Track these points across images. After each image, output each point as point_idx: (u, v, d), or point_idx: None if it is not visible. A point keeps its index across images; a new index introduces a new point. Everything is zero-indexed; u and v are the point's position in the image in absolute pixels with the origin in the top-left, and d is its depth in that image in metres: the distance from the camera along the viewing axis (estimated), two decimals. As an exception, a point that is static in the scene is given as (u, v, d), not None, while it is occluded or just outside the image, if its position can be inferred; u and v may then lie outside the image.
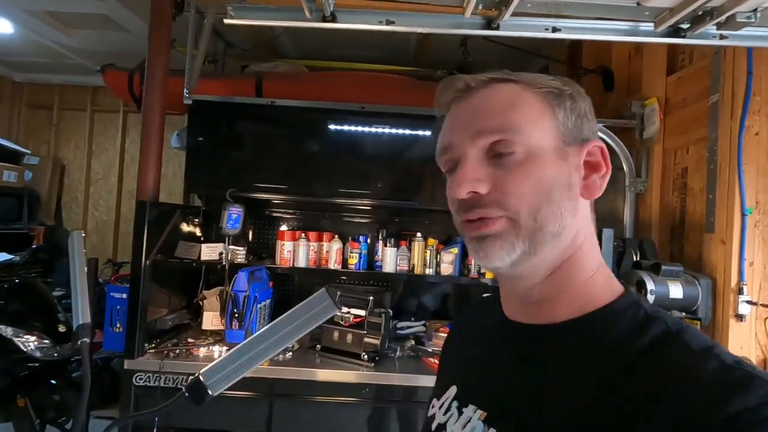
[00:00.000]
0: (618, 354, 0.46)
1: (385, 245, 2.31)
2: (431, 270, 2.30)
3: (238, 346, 0.89)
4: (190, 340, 2.03)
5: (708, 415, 0.39)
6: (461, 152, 0.52)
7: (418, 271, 2.29)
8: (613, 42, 2.76)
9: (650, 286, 1.83)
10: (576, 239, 0.52)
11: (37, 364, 2.96)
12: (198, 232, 2.42)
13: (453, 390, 0.59)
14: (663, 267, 1.86)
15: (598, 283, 0.52)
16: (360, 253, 2.30)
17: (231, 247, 2.14)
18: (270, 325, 0.95)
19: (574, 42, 3.15)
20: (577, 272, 0.52)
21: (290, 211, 2.43)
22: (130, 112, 4.59)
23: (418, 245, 2.30)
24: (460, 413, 0.55)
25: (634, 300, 0.51)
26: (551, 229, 0.50)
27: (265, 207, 2.46)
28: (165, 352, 1.87)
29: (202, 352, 1.93)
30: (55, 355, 2.92)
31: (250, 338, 0.92)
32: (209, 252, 2.22)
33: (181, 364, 1.81)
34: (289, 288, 2.53)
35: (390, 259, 2.29)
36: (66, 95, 4.73)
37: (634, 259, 2.07)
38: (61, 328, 2.96)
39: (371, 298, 1.95)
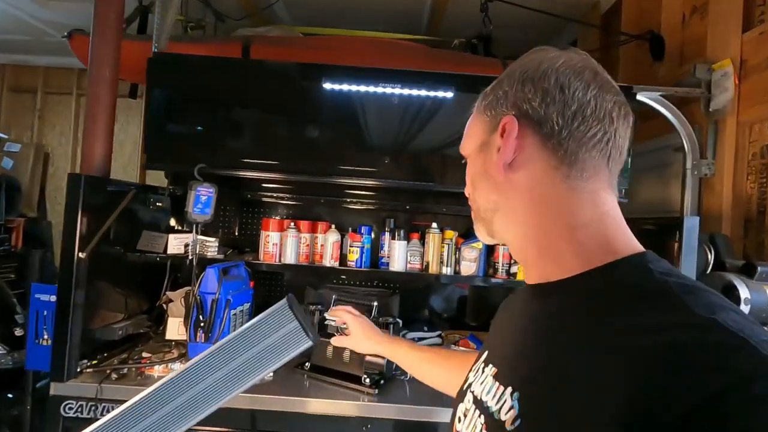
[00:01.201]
0: (598, 316, 0.46)
1: (393, 238, 1.82)
2: (449, 269, 1.82)
3: (128, 404, 0.56)
4: (145, 354, 1.56)
5: (678, 398, 0.36)
6: None
7: (433, 270, 1.81)
8: (663, 4, 2.28)
9: (744, 293, 1.34)
10: (527, 208, 0.55)
11: (-11, 374, 2.50)
12: (168, 220, 1.95)
13: (485, 354, 0.63)
14: (760, 268, 1.37)
15: (571, 249, 0.52)
16: (362, 248, 1.82)
17: (200, 237, 1.66)
18: (193, 362, 0.62)
19: (611, 6, 2.66)
20: (544, 237, 0.55)
21: (277, 194, 1.93)
22: (120, 97, 4.16)
23: (433, 238, 1.82)
24: (483, 372, 0.59)
25: (637, 262, 0.50)
26: (487, 206, 0.59)
27: (246, 189, 1.96)
28: (108, 371, 1.39)
29: (157, 370, 1.45)
30: (10, 363, 2.47)
31: (149, 390, 0.59)
32: (177, 244, 1.74)
33: (125, 389, 1.34)
34: (275, 289, 2.04)
35: (398, 256, 1.81)
36: (50, 78, 4.29)
37: (710, 258, 1.57)
38: (18, 332, 2.51)
39: (375, 303, 1.47)
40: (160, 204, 1.72)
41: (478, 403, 0.56)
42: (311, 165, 1.70)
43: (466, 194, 0.65)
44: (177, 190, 1.84)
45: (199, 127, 1.66)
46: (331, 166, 1.69)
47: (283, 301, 0.56)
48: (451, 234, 1.84)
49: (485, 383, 0.56)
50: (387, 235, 1.88)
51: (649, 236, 1.62)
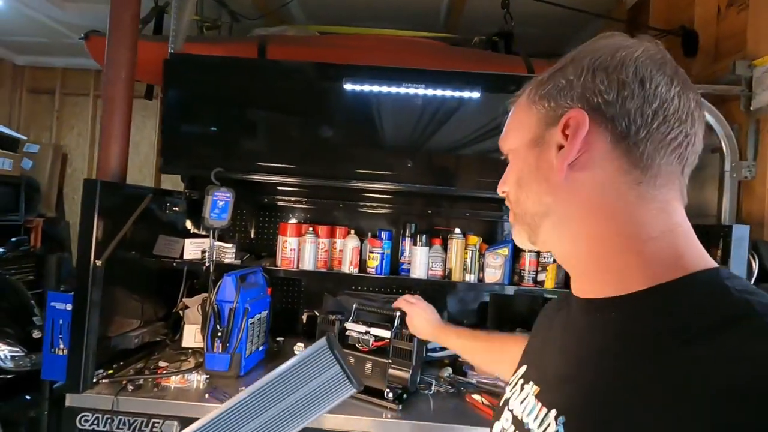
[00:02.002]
0: (665, 338, 0.40)
1: (414, 243, 1.75)
2: (473, 276, 1.74)
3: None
4: (162, 363, 1.51)
5: None
6: None
7: (456, 277, 1.73)
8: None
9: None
10: (586, 216, 0.49)
11: (8, 376, 2.49)
12: (185, 224, 1.90)
13: (523, 368, 0.59)
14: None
15: (638, 262, 0.46)
16: (382, 254, 1.74)
17: (217, 243, 1.61)
18: (225, 409, 0.54)
19: (637, 1, 2.54)
20: (604, 248, 0.48)
21: (295, 198, 1.86)
22: (135, 97, 4.14)
23: (456, 244, 1.74)
24: (522, 389, 0.55)
25: (712, 278, 0.43)
26: (532, 210, 0.52)
27: (263, 193, 1.90)
28: (123, 382, 1.35)
29: (174, 382, 1.40)
30: (29, 365, 2.46)
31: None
32: (193, 249, 1.69)
33: (142, 401, 1.29)
34: (292, 296, 1.98)
35: (420, 262, 1.73)
36: (68, 79, 4.29)
37: (754, 267, 1.47)
38: (36, 334, 2.49)
39: (398, 314, 1.40)
40: (176, 208, 1.67)
41: (518, 424, 0.52)
42: (330, 168, 1.63)
43: (502, 193, 0.59)
44: (193, 194, 1.79)
45: (215, 129, 1.61)
46: (350, 170, 1.62)
47: (323, 342, 0.48)
48: (474, 239, 1.76)
49: (526, 403, 0.52)
50: (408, 240, 1.80)
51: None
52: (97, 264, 1.30)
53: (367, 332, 1.43)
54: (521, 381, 0.57)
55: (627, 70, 0.46)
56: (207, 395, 1.32)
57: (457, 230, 1.75)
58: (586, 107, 0.48)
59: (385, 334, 1.42)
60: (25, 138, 3.89)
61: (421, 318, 1.16)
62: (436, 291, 1.92)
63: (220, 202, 1.53)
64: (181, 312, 1.68)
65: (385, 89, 1.58)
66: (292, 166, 1.62)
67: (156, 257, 1.69)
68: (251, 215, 1.98)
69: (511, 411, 0.55)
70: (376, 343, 1.43)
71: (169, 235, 1.76)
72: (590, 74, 0.48)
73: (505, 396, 0.58)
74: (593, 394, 0.43)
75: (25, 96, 4.39)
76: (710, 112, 1.72)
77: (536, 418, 0.48)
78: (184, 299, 1.66)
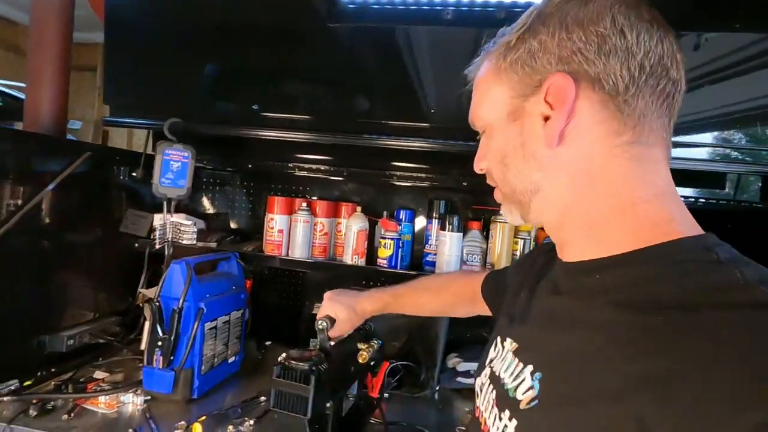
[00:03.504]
0: (643, 301, 0.39)
1: (443, 227, 1.24)
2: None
3: None
4: (99, 375, 1.13)
5: (731, 418, 0.30)
6: None
7: (500, 276, 1.20)
8: None
9: None
10: (577, 185, 0.46)
11: None
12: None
13: (502, 321, 0.60)
14: None
15: (623, 226, 0.44)
16: (397, 240, 1.25)
17: (172, 218, 1.19)
18: None
19: None
20: (586, 217, 0.47)
21: (289, 164, 1.39)
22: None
23: (501, 230, 1.21)
24: (502, 347, 0.55)
25: (703, 244, 0.41)
26: (522, 187, 0.50)
27: (245, 155, 1.43)
28: (34, 401, 0.98)
29: (102, 404, 1.01)
30: None
31: None
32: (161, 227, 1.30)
33: (40, 434, 0.91)
34: (292, 289, 1.53)
35: (450, 252, 1.22)
36: (109, 55, 4.17)
37: None
38: None
39: (322, 325, 0.88)
40: (134, 174, 1.28)
41: (494, 379, 0.52)
42: (331, 118, 1.15)
43: (480, 170, 0.57)
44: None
45: (172, 64, 1.18)
46: (352, 119, 1.13)
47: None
48: (528, 224, 1.21)
49: (504, 359, 0.52)
50: (435, 223, 1.30)
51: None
52: (-8, 241, 0.93)
53: (367, 345, 0.96)
54: (500, 339, 0.56)
55: (604, 21, 0.43)
56: (129, 431, 0.92)
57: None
58: (567, 69, 0.44)
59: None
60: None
61: (340, 310, 0.89)
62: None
63: (173, 163, 1.12)
64: (141, 306, 1.30)
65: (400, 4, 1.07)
66: (278, 116, 1.16)
67: (132, 236, 1.33)
68: (240, 187, 1.56)
69: (492, 368, 0.54)
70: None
71: (138, 210, 1.38)
72: (564, 31, 0.45)
73: (489, 355, 0.58)
74: (571, 353, 0.42)
75: (72, 73, 4.34)
76: None
77: (512, 374, 0.48)
78: (142, 290, 1.27)
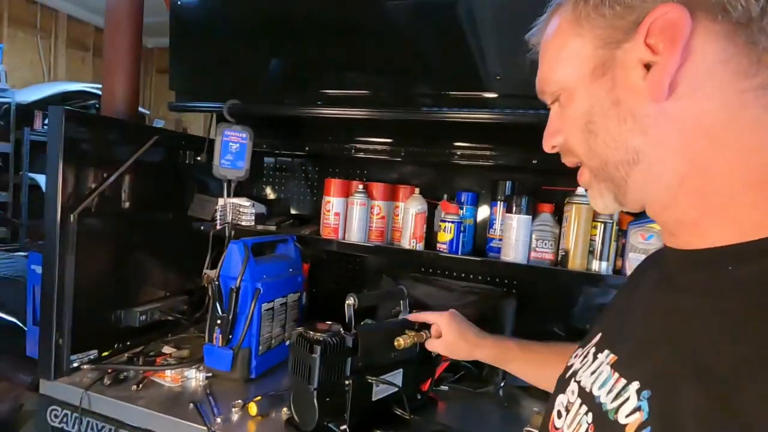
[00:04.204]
0: (746, 296, 0.31)
1: (510, 210, 1.12)
2: (605, 264, 1.05)
3: None
4: (166, 350, 1.18)
5: None
6: None
7: (574, 264, 1.06)
8: None
9: None
10: (693, 150, 0.36)
11: None
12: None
13: (597, 337, 0.48)
14: None
15: (759, 201, 0.34)
16: (458, 224, 1.16)
17: (232, 200, 1.20)
18: None
19: None
20: (716, 185, 0.36)
21: (342, 144, 1.34)
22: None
23: (577, 213, 1.07)
24: (595, 359, 0.45)
25: None
26: (616, 158, 0.40)
27: (304, 137, 1.41)
28: (110, 371, 1.04)
29: (168, 378, 1.05)
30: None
31: None
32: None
33: (112, 403, 0.95)
34: (344, 275, 1.50)
35: (517, 238, 1.10)
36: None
37: None
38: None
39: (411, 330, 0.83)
40: (199, 158, 1.31)
41: (586, 397, 0.42)
42: (388, 94, 1.09)
43: (552, 149, 0.47)
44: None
45: (235, 51, 1.18)
46: (416, 94, 1.06)
47: None
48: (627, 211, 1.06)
49: (599, 373, 0.42)
50: (500, 205, 1.19)
51: None
52: (72, 217, 0.99)
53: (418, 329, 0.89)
54: (593, 350, 0.46)
55: None
56: (191, 405, 0.93)
57: (581, 191, 1.08)
58: None
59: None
60: (148, 112, 4.13)
61: (464, 328, 0.84)
62: (538, 286, 1.28)
63: (233, 145, 1.12)
64: (208, 286, 1.34)
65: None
66: (337, 92, 1.12)
67: (196, 220, 1.38)
68: (298, 171, 1.55)
69: (579, 382, 0.45)
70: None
71: (206, 194, 1.43)
72: None
73: (573, 367, 0.48)
74: (690, 366, 0.32)
75: (155, 76, 4.71)
76: None
77: (610, 391, 0.39)
78: (207, 271, 1.31)
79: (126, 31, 1.21)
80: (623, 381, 0.38)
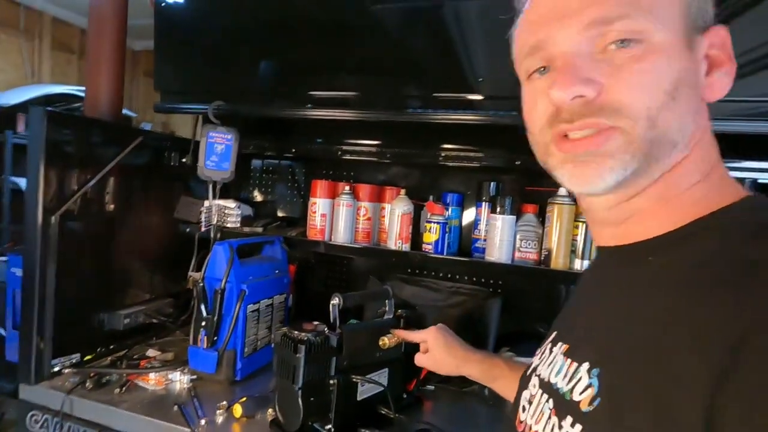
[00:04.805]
0: (705, 274, 0.35)
1: (494, 211, 1.14)
2: (587, 263, 1.07)
3: None
4: (151, 353, 1.17)
5: None
6: (565, 47, 0.39)
7: (557, 263, 1.07)
8: None
9: None
10: (688, 146, 0.39)
11: None
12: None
13: (553, 334, 0.51)
14: None
15: (700, 192, 0.39)
16: (443, 224, 1.17)
17: (217, 202, 1.20)
18: None
19: None
20: (682, 181, 0.40)
21: (330, 146, 1.35)
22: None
23: (559, 213, 1.09)
24: (551, 352, 0.48)
25: (754, 205, 0.38)
26: (672, 137, 0.38)
27: (291, 140, 1.41)
28: (92, 375, 1.02)
29: (152, 381, 1.03)
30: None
31: None
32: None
33: (94, 406, 0.94)
34: (331, 277, 1.51)
35: (501, 238, 1.12)
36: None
37: None
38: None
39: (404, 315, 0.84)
40: (184, 160, 1.31)
41: (546, 386, 0.45)
42: (374, 96, 1.10)
43: (573, 97, 0.38)
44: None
45: (220, 53, 1.18)
46: (403, 96, 1.07)
47: None
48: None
49: (554, 363, 0.45)
50: (485, 206, 1.20)
51: None
52: (53, 220, 0.97)
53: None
54: (549, 345, 0.49)
55: None
56: (175, 407, 0.93)
57: (563, 192, 1.09)
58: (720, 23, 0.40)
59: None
60: (135, 115, 4.09)
61: (451, 343, 0.83)
62: (522, 285, 1.29)
63: (218, 146, 1.12)
64: (192, 288, 1.33)
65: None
66: (324, 94, 1.12)
67: (177, 221, 1.37)
68: (286, 173, 1.55)
69: (539, 376, 0.48)
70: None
71: (193, 196, 1.42)
72: None
73: (533, 364, 0.52)
74: (629, 342, 0.37)
75: (142, 79, 4.66)
76: None
77: (565, 376, 0.42)
78: (192, 273, 1.30)
79: (110, 33, 1.20)
80: (575, 365, 0.42)
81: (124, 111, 3.77)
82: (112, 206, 1.16)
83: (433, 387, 1.11)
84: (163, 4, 1.20)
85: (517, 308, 1.25)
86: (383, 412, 0.89)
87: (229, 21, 1.20)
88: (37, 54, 4.21)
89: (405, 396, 0.98)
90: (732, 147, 0.95)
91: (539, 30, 0.40)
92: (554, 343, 0.49)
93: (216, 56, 1.21)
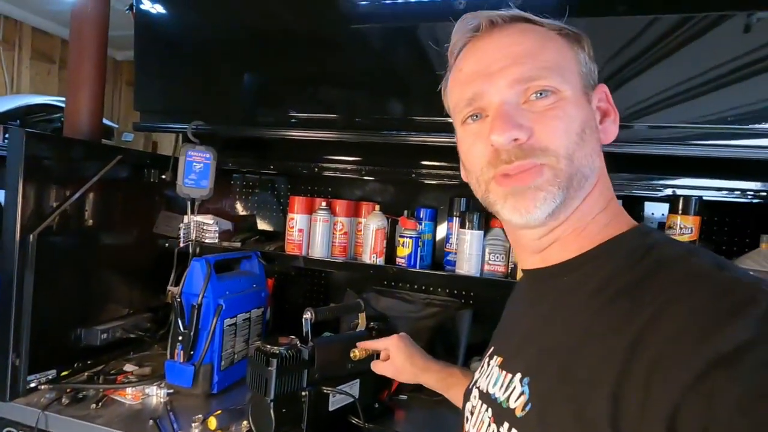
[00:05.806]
0: (606, 289, 0.42)
1: (463, 226, 1.19)
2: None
3: None
4: (128, 368, 1.18)
5: (693, 352, 0.33)
6: (497, 99, 0.46)
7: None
8: None
9: None
10: (593, 181, 0.48)
11: None
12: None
13: (491, 349, 0.57)
14: None
15: (603, 221, 0.48)
16: (416, 239, 1.22)
17: (196, 218, 1.23)
18: None
19: None
20: (590, 211, 0.48)
21: (309, 163, 1.39)
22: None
23: (525, 228, 1.15)
24: (489, 366, 0.54)
25: (642, 231, 0.47)
26: (585, 172, 0.46)
27: (271, 157, 1.43)
28: (68, 390, 1.03)
29: (129, 396, 1.05)
30: None
31: None
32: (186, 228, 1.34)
33: (69, 422, 0.95)
34: (311, 291, 1.54)
35: (471, 252, 1.17)
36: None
37: None
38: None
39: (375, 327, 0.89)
40: (164, 177, 1.33)
41: (485, 397, 0.51)
42: (354, 118, 1.14)
43: (512, 140, 0.45)
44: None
45: (198, 70, 1.22)
46: (382, 118, 1.12)
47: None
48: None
49: (491, 375, 0.51)
50: (455, 221, 1.26)
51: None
52: (30, 238, 0.99)
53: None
54: (487, 359, 0.55)
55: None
56: (150, 422, 0.94)
57: (528, 207, 1.15)
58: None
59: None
60: (117, 126, 4.07)
61: (412, 352, 0.86)
62: (491, 296, 1.34)
63: (196, 164, 1.15)
64: (173, 302, 1.34)
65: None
66: (303, 116, 1.17)
67: (162, 236, 1.39)
68: (265, 188, 1.59)
69: (479, 388, 0.53)
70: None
71: (173, 211, 1.44)
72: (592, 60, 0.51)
73: (474, 377, 0.57)
74: (550, 350, 0.44)
75: (124, 89, 4.65)
76: None
77: (501, 386, 0.48)
78: (171, 288, 1.32)
79: (91, 45, 1.22)
80: (510, 375, 0.48)
81: (105, 121, 3.76)
82: (91, 222, 1.17)
83: (405, 396, 1.15)
84: (142, 20, 1.23)
85: (487, 318, 1.29)
86: (354, 421, 0.92)
87: (210, 41, 1.24)
88: (16, 64, 4.17)
89: (377, 406, 1.02)
90: (685, 167, 1.03)
91: (473, 85, 0.48)
92: (491, 357, 0.55)
93: (196, 76, 1.25)
